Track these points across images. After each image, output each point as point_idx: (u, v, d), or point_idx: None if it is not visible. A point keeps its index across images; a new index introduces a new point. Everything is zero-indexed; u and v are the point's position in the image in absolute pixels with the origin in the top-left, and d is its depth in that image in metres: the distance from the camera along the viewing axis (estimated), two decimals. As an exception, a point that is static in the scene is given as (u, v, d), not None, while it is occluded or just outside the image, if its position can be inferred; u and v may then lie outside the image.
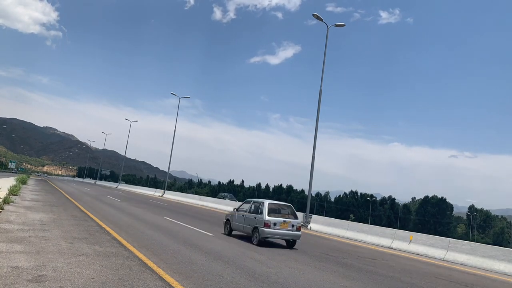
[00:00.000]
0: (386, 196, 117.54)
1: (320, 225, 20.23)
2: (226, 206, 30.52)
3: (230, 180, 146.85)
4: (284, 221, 11.14)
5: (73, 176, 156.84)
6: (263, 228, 10.85)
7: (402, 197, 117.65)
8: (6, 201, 13.58)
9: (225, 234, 12.72)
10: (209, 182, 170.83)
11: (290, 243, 11.64)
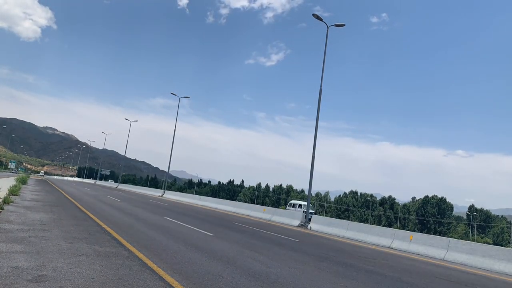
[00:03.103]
0: (386, 196, 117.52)
1: (320, 225, 20.22)
2: (226, 206, 30.56)
3: (230, 180, 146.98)
4: None
5: (72, 176, 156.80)
6: None
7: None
8: (6, 201, 13.57)
9: None
10: (209, 182, 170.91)
11: None
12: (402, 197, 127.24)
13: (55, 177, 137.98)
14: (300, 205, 33.46)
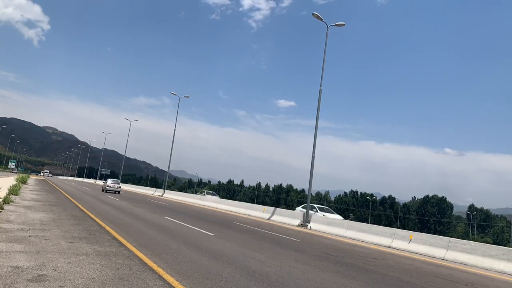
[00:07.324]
0: (387, 195, 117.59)
1: (320, 224, 20.23)
2: (227, 206, 30.56)
3: (230, 179, 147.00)
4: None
5: (72, 176, 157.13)
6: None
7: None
8: (6, 200, 13.58)
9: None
10: (209, 181, 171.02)
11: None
12: (395, 195, 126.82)
13: (56, 177, 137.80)
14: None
